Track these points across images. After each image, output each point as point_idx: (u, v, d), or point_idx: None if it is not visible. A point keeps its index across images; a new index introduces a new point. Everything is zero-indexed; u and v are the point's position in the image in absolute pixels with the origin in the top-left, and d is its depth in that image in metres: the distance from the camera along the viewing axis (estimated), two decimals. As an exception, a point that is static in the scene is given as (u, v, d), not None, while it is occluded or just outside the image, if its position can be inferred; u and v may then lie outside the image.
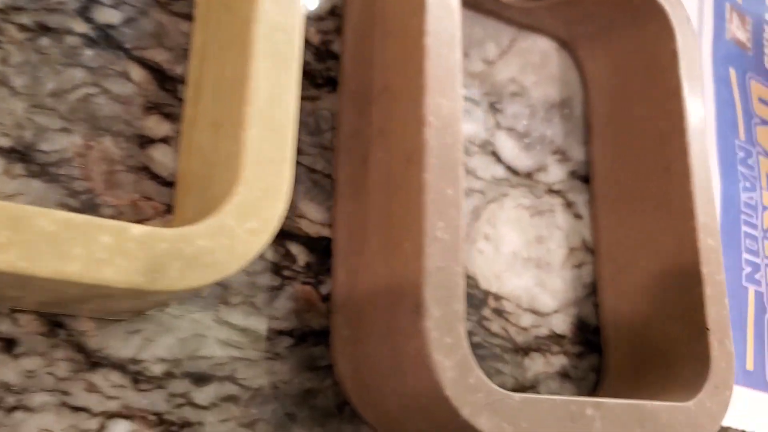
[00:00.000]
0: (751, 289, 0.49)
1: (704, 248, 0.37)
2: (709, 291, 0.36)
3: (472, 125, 0.40)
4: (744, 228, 0.51)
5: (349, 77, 0.35)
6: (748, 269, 0.50)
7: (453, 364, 0.27)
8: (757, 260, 0.51)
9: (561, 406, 0.29)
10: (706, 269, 0.37)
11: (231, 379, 0.29)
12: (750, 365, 0.47)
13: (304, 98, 0.34)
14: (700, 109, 0.39)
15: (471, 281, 0.37)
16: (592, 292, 0.42)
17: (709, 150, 0.50)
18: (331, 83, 0.35)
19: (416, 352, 0.27)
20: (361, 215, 0.32)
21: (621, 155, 0.42)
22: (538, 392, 0.38)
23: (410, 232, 0.29)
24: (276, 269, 0.31)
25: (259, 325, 0.30)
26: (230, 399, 0.29)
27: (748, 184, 0.52)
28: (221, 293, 0.30)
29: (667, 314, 0.38)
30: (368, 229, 0.31)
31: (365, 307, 0.30)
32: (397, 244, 0.29)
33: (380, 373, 0.29)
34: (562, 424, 0.29)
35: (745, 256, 0.50)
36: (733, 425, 0.45)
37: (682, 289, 0.37)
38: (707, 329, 0.36)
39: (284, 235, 0.32)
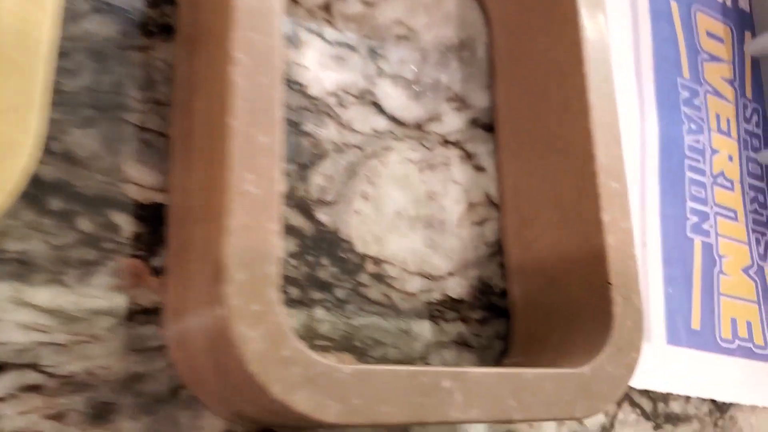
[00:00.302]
0: (698, 241, 0.45)
1: (605, 193, 0.32)
2: (611, 240, 0.32)
3: (348, 73, 0.36)
4: (689, 174, 0.46)
5: (185, 22, 0.31)
6: (694, 219, 0.45)
7: (260, 334, 0.23)
8: (705, 209, 0.46)
9: (408, 379, 0.26)
10: (607, 216, 0.32)
11: (33, 366, 0.26)
12: (696, 323, 0.43)
13: (133, 48, 0.31)
14: (601, 38, 0.35)
15: (345, 245, 0.33)
16: (497, 250, 0.38)
17: (643, 89, 0.45)
18: (168, 31, 0.32)
19: (219, 323, 0.23)
20: (189, 174, 0.28)
21: (524, 97, 0.37)
22: (428, 364, 0.34)
23: (217, 187, 0.25)
24: (93, 242, 0.28)
25: (70, 305, 0.27)
26: (32, 389, 0.26)
27: (693, 126, 0.47)
28: (20, 271, 0.26)
29: (569, 269, 0.34)
30: (194, 190, 0.28)
31: (189, 278, 0.27)
32: (209, 202, 0.26)
33: (201, 351, 0.26)
34: (410, 399, 0.25)
35: (691, 204, 0.45)
36: (675, 391, 0.41)
37: (583, 240, 0.33)
38: (609, 284, 0.31)
39: (103, 203, 0.28)
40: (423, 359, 0.34)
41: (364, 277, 0.34)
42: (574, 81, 0.34)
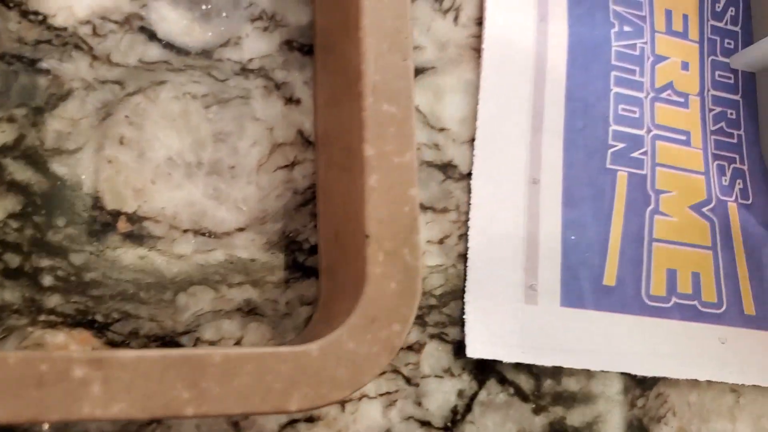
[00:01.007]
0: (622, 174, 0.35)
1: (374, 119, 0.25)
2: (374, 181, 0.25)
3: (111, -3, 0.30)
4: (616, 89, 0.36)
5: None
6: (618, 145, 0.36)
7: None
8: (638, 132, 0.36)
9: (18, 367, 0.20)
10: (372, 149, 0.25)
11: None
12: (610, 279, 0.34)
13: None
14: None
15: (89, 201, 0.28)
16: (311, 198, 0.31)
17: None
18: None
19: None
20: None
21: (334, 8, 0.30)
22: (198, 339, 0.29)
23: None
24: None
25: None
26: None
27: (627, 28, 0.37)
28: None
29: (346, 220, 0.27)
30: None
31: None
32: None
33: None
34: (19, 393, 0.20)
35: (615, 127, 0.36)
36: (568, 364, 0.33)
37: (351, 181, 0.26)
38: (366, 236, 0.24)
39: None
40: (190, 333, 0.29)
41: (113, 239, 0.28)
42: (353, -23, 0.27)
